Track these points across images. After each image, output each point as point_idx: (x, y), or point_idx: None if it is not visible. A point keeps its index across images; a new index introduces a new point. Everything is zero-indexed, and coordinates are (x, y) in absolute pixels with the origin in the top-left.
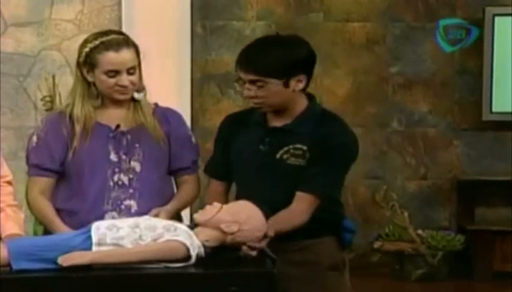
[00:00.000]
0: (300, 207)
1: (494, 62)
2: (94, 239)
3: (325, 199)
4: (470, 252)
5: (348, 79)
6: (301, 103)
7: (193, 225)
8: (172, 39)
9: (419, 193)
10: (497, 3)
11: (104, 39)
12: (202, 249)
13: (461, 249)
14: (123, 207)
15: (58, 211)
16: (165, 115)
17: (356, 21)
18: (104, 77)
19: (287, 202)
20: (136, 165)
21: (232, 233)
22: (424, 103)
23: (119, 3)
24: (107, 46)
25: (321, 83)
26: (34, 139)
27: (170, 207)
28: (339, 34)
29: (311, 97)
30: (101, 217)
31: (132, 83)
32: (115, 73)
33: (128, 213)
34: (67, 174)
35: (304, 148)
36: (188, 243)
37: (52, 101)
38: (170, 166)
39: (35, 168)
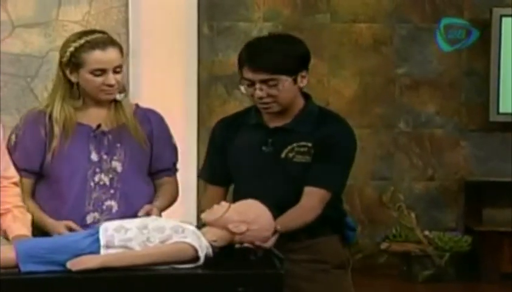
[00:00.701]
0: (310, 203)
1: (501, 63)
2: (102, 241)
3: (334, 192)
4: (477, 253)
5: (355, 80)
6: (299, 102)
7: (200, 225)
8: (178, 40)
9: (426, 194)
10: (504, 4)
11: (89, 38)
12: (210, 250)
13: (469, 250)
14: (104, 207)
15: None
16: (146, 115)
17: (362, 22)
18: (90, 76)
19: (296, 200)
20: (117, 165)
21: (241, 233)
22: (431, 104)
23: (126, 5)
24: (93, 45)
25: (328, 84)
26: (13, 137)
27: (159, 203)
28: (346, 35)
29: (306, 96)
30: (82, 218)
31: (118, 82)
32: (101, 72)
33: (109, 214)
34: (47, 176)
35: (309, 144)
36: (196, 245)
37: None
38: (150, 167)
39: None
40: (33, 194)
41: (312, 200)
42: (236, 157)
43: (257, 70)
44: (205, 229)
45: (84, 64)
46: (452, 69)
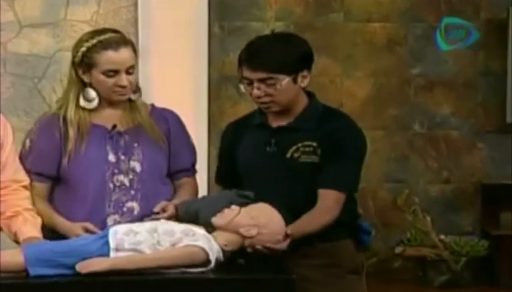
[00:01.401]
0: (327, 205)
1: None
2: (112, 244)
3: (348, 191)
4: (494, 257)
5: (369, 80)
6: (303, 101)
7: (210, 229)
8: (189, 40)
9: (441, 197)
10: None
11: (101, 38)
12: (221, 254)
13: (485, 254)
14: (125, 209)
15: None
16: (163, 114)
17: (376, 21)
18: (102, 77)
19: (306, 200)
20: (136, 165)
21: (251, 237)
22: (447, 105)
23: (135, 4)
24: (105, 45)
25: (341, 85)
26: (28, 142)
27: (177, 202)
28: (360, 35)
29: (310, 95)
30: (103, 221)
31: (131, 83)
32: (114, 73)
33: (130, 215)
34: (64, 179)
35: (314, 144)
36: (207, 248)
37: None
38: (169, 168)
39: (28, 173)
40: (50, 199)
41: (327, 202)
42: (242, 159)
43: (255, 69)
44: (215, 233)
45: (96, 65)
46: (467, 69)
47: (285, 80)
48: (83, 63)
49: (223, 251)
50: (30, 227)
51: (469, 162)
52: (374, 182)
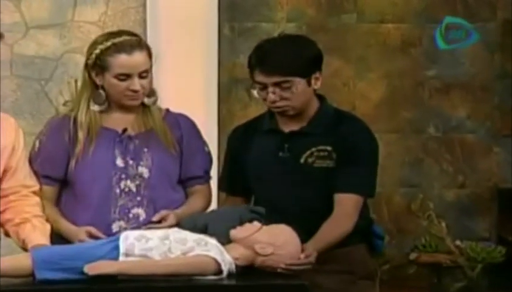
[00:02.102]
0: (345, 210)
1: None
2: (122, 249)
3: (367, 195)
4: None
5: (382, 83)
6: (314, 105)
7: (224, 241)
8: (198, 42)
9: (457, 202)
10: None
11: (116, 40)
12: (233, 266)
13: (502, 261)
14: (130, 215)
15: None
16: (177, 120)
17: (390, 22)
18: (114, 81)
19: (318, 206)
20: (144, 171)
21: (265, 255)
22: (462, 107)
23: (144, 5)
24: (119, 48)
25: (354, 87)
26: (37, 144)
27: (180, 211)
28: (373, 36)
29: (321, 98)
30: (107, 227)
31: (144, 88)
32: (126, 76)
33: (136, 222)
34: (70, 182)
35: (329, 148)
36: (219, 259)
37: None
38: (181, 174)
39: (37, 176)
40: (57, 202)
41: (346, 207)
42: (253, 166)
43: (269, 73)
44: (229, 246)
45: (109, 68)
46: (484, 71)
47: (300, 83)
48: (96, 65)
49: (235, 265)
50: (38, 235)
51: (485, 166)
52: (388, 187)
